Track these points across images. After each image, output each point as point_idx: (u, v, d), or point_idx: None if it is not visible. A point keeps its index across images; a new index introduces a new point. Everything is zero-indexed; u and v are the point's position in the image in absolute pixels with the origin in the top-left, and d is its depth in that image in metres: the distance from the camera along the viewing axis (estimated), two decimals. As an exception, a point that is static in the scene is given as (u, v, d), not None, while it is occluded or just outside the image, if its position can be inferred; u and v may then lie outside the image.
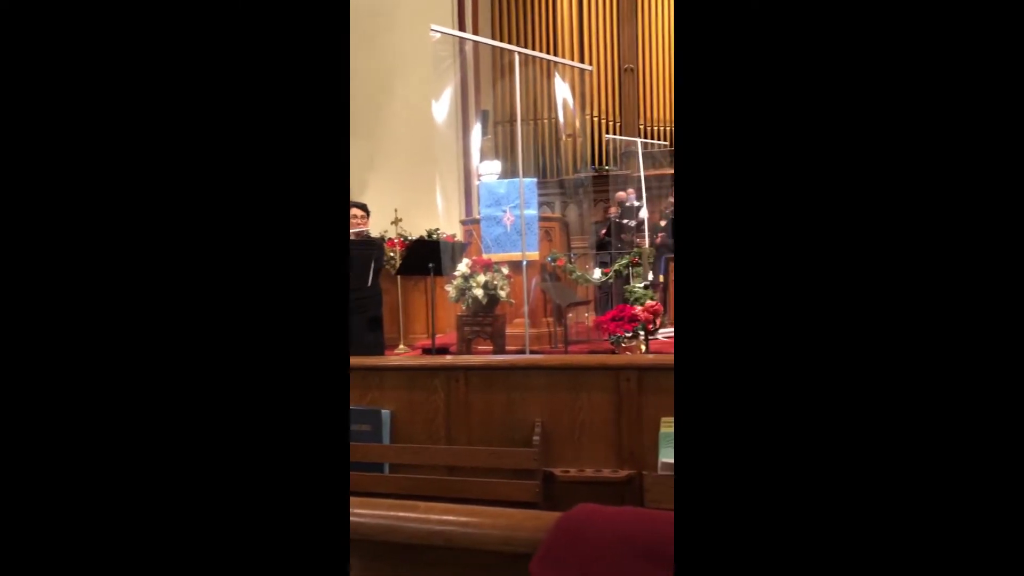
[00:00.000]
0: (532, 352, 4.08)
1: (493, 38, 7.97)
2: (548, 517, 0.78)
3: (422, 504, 0.86)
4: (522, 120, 5.07)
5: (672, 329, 5.82)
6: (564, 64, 6.35)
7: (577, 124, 8.15)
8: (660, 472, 1.94)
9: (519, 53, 4.35)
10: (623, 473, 1.99)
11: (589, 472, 2.04)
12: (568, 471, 2.05)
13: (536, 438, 2.09)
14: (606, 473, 2.02)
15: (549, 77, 7.08)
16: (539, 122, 8.46)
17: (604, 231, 7.03)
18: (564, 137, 8.22)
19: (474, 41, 6.11)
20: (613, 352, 4.17)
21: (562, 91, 5.53)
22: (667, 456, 1.93)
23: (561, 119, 7.40)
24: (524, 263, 4.34)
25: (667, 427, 1.96)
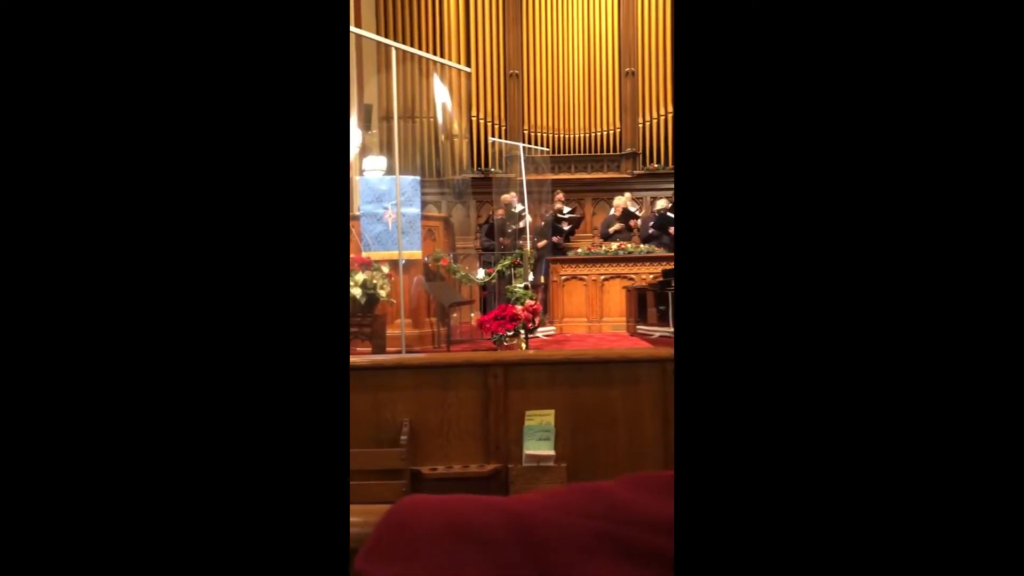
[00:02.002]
0: (412, 352, 4.04)
1: (378, 34, 7.79)
2: (377, 511, 0.78)
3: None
4: (402, 117, 4.98)
5: (552, 328, 6.02)
6: (443, 64, 6.35)
7: (458, 125, 8.18)
8: (524, 464, 2.00)
9: (396, 49, 4.29)
10: (489, 467, 2.03)
11: (457, 468, 2.05)
12: (436, 468, 2.05)
13: (404, 437, 2.07)
14: (473, 468, 2.04)
15: (430, 76, 7.04)
16: (422, 120, 8.37)
17: (489, 232, 7.12)
18: (443, 137, 8.21)
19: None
20: (494, 350, 4.23)
21: (441, 91, 5.52)
22: (531, 448, 2.00)
23: (440, 119, 7.38)
24: (401, 262, 4.27)
25: (530, 420, 2.02)
